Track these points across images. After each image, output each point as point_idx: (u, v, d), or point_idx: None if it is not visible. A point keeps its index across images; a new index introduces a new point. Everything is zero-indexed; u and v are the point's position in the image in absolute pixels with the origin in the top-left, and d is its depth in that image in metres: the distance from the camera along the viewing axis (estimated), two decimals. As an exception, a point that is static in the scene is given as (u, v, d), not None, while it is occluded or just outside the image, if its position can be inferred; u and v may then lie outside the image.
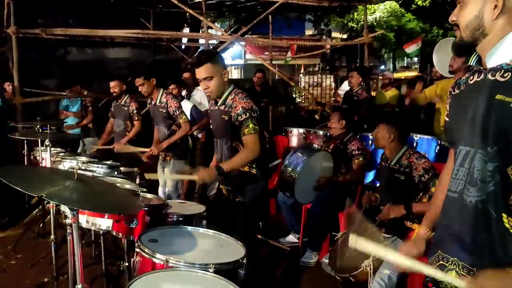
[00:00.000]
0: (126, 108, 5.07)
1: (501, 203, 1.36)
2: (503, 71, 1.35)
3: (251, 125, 2.69)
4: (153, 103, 4.58)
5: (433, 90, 4.97)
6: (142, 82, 4.47)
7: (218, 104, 2.85)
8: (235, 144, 2.84)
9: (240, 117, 2.70)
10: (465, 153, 1.44)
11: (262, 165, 2.92)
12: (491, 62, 1.40)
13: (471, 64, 1.50)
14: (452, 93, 1.59)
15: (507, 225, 1.36)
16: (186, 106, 5.24)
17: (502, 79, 1.34)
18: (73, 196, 1.80)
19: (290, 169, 3.94)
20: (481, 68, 1.44)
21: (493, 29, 1.38)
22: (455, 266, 1.49)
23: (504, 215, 1.35)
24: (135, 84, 4.56)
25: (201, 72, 2.74)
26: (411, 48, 8.50)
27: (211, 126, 3.12)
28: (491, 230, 1.38)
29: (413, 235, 1.77)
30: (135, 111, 5.03)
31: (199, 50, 6.59)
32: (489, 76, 1.39)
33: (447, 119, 1.63)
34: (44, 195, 1.68)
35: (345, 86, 7.58)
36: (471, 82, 1.48)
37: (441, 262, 1.55)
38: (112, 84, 5.08)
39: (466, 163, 1.43)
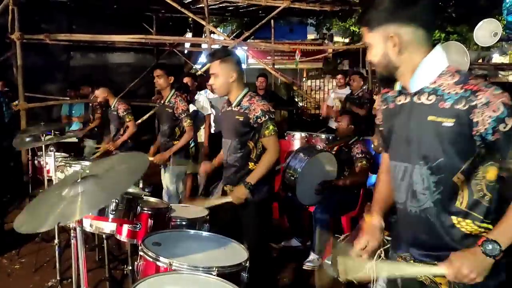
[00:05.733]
0: (115, 113, 5.07)
1: (447, 208, 1.51)
2: (427, 94, 1.51)
3: (271, 127, 2.79)
4: (162, 102, 4.59)
5: None
6: (160, 74, 4.43)
7: (232, 106, 2.89)
8: (249, 143, 2.87)
9: (259, 119, 2.78)
10: (404, 169, 1.59)
11: None
12: (414, 87, 1.54)
13: (397, 89, 1.64)
14: (382, 107, 1.74)
15: (456, 224, 1.51)
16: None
17: (429, 102, 1.50)
18: (85, 200, 1.69)
19: (292, 169, 3.95)
20: (406, 91, 1.59)
21: (401, 62, 1.53)
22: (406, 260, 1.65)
23: (452, 217, 1.51)
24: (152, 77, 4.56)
25: (210, 67, 2.84)
26: None
27: (218, 127, 3.13)
28: (436, 232, 1.53)
29: (365, 225, 1.80)
30: (125, 113, 4.98)
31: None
32: (415, 99, 1.54)
33: (382, 130, 1.77)
34: (61, 222, 1.61)
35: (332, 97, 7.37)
36: (399, 103, 1.63)
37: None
38: (96, 93, 5.08)
39: (406, 178, 1.58)
